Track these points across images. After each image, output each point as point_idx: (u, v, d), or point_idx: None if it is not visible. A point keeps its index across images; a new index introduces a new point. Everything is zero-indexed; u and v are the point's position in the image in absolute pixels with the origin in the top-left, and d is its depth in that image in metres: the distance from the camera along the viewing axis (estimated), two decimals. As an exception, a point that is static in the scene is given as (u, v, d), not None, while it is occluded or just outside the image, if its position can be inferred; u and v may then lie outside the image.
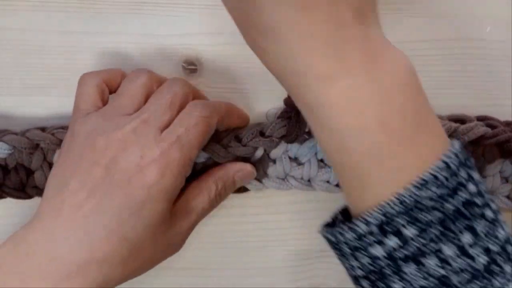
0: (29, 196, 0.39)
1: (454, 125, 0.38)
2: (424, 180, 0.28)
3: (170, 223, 0.35)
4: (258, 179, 0.40)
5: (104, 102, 0.37)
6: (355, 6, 0.28)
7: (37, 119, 0.40)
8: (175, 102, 0.36)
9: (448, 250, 0.28)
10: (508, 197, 0.39)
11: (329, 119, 0.28)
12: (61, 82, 0.41)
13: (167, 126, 0.35)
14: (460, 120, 0.39)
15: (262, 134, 0.39)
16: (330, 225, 0.32)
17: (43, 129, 0.39)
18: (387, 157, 0.28)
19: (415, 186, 0.28)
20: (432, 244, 0.28)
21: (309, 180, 0.40)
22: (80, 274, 0.32)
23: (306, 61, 0.28)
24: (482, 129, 0.38)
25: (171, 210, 0.35)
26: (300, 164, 0.40)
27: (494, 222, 0.29)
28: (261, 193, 0.41)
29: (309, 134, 0.39)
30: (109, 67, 0.41)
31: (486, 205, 0.29)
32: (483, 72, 0.43)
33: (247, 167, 0.38)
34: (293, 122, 0.38)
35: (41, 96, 0.41)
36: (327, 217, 0.41)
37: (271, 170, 0.40)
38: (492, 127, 0.39)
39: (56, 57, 0.41)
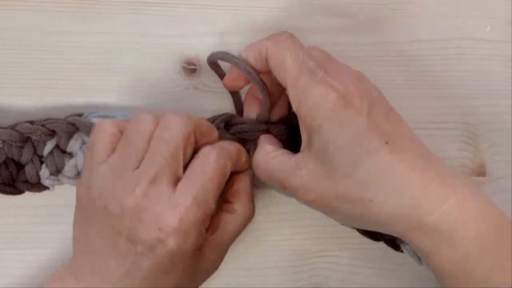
0: (19, 192, 0.39)
1: None
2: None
3: (205, 260, 0.35)
4: None
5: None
6: (423, 144, 0.35)
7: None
8: (179, 148, 0.33)
9: None
10: None
11: (450, 235, 0.32)
12: (61, 82, 0.41)
13: (176, 175, 0.33)
14: None
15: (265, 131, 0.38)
16: None
17: (31, 122, 0.38)
18: (497, 257, 0.32)
19: None
20: None
21: None
22: None
23: (417, 193, 0.32)
24: None
25: (208, 248, 0.35)
26: None
27: None
28: (261, 193, 0.41)
29: None
30: (108, 67, 0.41)
31: None
32: (483, 72, 0.43)
33: (250, 171, 0.38)
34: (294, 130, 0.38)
35: (40, 96, 0.41)
36: (325, 217, 0.41)
37: None
38: None
39: (56, 57, 0.41)
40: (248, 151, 0.39)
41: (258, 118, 0.39)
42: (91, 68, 0.41)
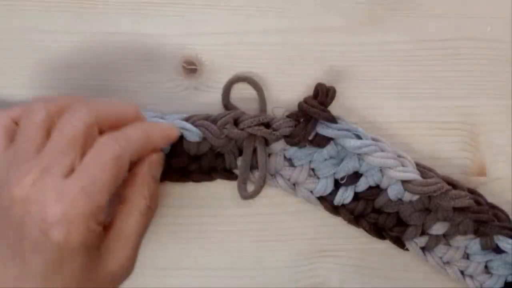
0: None
1: (446, 186, 0.38)
2: None
3: (106, 261, 0.33)
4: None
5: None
6: None
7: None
8: (77, 140, 0.32)
9: None
10: (462, 272, 0.40)
11: None
12: (61, 82, 0.41)
13: (71, 168, 0.32)
14: (453, 184, 0.39)
15: (264, 125, 0.39)
16: None
17: None
18: None
19: None
20: None
21: (294, 185, 0.40)
22: None
23: None
24: (468, 201, 0.38)
25: (104, 247, 0.33)
26: (292, 166, 0.40)
27: None
28: (261, 193, 0.41)
29: (311, 143, 0.39)
30: (109, 67, 0.41)
31: None
32: (483, 72, 0.43)
33: (153, 156, 0.36)
34: (300, 127, 0.38)
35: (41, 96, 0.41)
36: (326, 216, 0.41)
37: None
38: (478, 203, 0.39)
39: (56, 57, 0.41)
40: (254, 149, 0.39)
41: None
42: (91, 68, 0.41)
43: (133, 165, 0.35)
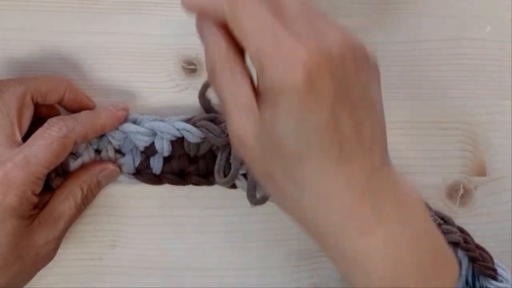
0: None
1: (439, 220, 0.38)
2: None
3: (34, 234, 0.36)
4: None
5: None
6: (384, 146, 0.29)
7: (37, 119, 0.40)
8: (10, 111, 0.36)
9: None
10: None
11: (368, 269, 0.29)
12: (61, 82, 0.41)
13: (11, 136, 0.35)
14: (444, 219, 0.39)
15: None
16: None
17: None
18: None
19: None
20: None
21: None
22: None
23: (343, 216, 0.28)
24: (458, 238, 0.38)
25: (36, 221, 0.36)
26: None
27: None
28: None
29: None
30: (108, 67, 0.41)
31: None
32: (483, 72, 0.43)
33: (109, 166, 0.39)
34: None
35: (41, 96, 0.41)
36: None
37: None
38: (466, 242, 0.39)
39: (55, 57, 0.41)
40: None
41: None
42: (91, 68, 0.41)
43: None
